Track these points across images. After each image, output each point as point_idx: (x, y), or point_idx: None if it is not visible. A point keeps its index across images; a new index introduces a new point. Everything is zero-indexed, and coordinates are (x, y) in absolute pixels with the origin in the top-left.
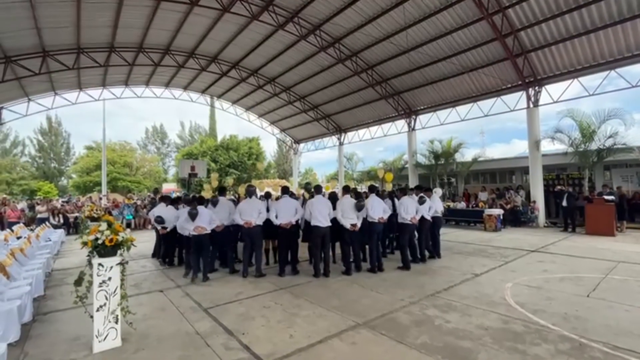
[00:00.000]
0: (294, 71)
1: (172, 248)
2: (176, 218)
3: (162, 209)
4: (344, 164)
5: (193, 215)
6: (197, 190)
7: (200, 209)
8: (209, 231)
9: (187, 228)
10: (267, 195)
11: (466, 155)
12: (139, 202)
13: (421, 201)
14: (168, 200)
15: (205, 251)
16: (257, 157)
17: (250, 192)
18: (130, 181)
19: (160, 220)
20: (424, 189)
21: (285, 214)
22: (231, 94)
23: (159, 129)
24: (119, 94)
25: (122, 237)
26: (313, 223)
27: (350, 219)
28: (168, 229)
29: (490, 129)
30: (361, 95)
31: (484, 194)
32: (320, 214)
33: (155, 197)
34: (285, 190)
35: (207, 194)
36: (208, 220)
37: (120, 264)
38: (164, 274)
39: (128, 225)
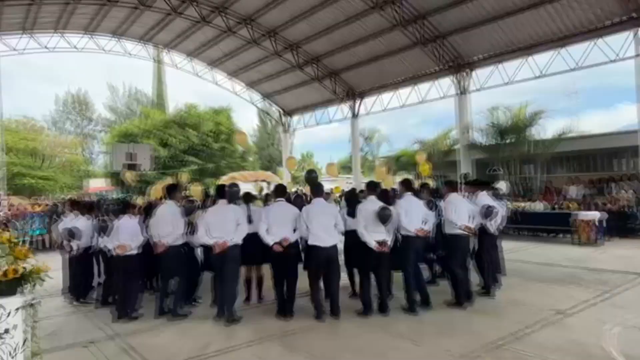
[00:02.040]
0: (283, 5)
1: (90, 276)
2: (91, 233)
3: (74, 221)
4: (360, 145)
5: (103, 229)
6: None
7: (124, 220)
8: (135, 251)
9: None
10: (248, 199)
11: (547, 129)
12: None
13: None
14: (80, 207)
15: (131, 280)
16: (229, 137)
17: (233, 195)
18: (39, 177)
19: (73, 233)
20: (484, 185)
21: (281, 227)
22: (187, 43)
23: (78, 97)
24: (15, 45)
25: (28, 268)
26: (311, 241)
27: (377, 233)
28: (77, 250)
29: (583, 89)
30: (384, 40)
31: (575, 189)
32: (320, 228)
33: (57, 205)
34: (281, 192)
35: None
36: (130, 235)
37: (28, 305)
38: (95, 317)
39: (38, 244)
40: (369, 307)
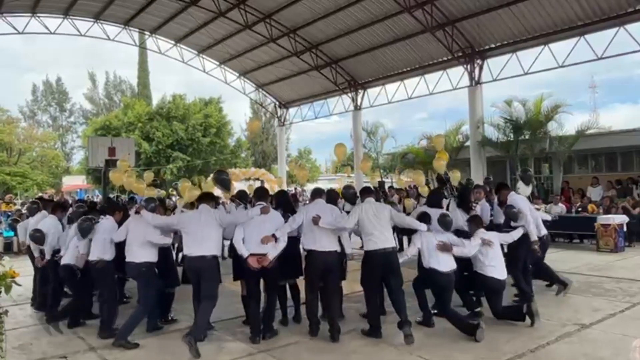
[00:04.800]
0: None
1: (60, 289)
2: (58, 235)
3: (43, 220)
4: (362, 141)
5: (84, 231)
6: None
7: (104, 221)
8: (106, 258)
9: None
10: (242, 197)
11: (567, 125)
12: (24, 210)
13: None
14: (49, 205)
15: (107, 293)
16: (219, 130)
17: (224, 181)
18: (10, 174)
19: (39, 237)
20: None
21: (258, 238)
22: (173, 27)
23: (55, 86)
24: None
25: None
26: (308, 246)
27: (378, 240)
28: (45, 257)
29: (606, 80)
30: (390, 26)
31: (597, 190)
32: (319, 230)
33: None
34: (262, 195)
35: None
36: (103, 241)
37: None
38: (68, 328)
39: (7, 248)
40: (377, 329)
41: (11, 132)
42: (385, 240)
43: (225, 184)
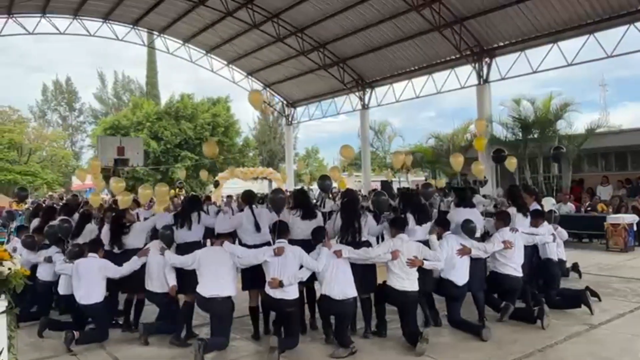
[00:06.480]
0: None
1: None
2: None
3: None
4: (370, 140)
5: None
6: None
7: (90, 260)
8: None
9: None
10: (251, 200)
11: (576, 123)
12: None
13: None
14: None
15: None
16: (227, 129)
17: (280, 200)
18: (21, 173)
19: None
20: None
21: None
22: (182, 27)
23: (64, 86)
24: None
25: (8, 270)
26: (324, 291)
27: (400, 279)
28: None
29: (616, 79)
30: (398, 24)
31: (606, 189)
32: (340, 276)
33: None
34: (282, 229)
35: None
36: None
37: (7, 311)
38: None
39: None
40: (381, 330)
41: (21, 132)
42: (408, 283)
43: (278, 204)
